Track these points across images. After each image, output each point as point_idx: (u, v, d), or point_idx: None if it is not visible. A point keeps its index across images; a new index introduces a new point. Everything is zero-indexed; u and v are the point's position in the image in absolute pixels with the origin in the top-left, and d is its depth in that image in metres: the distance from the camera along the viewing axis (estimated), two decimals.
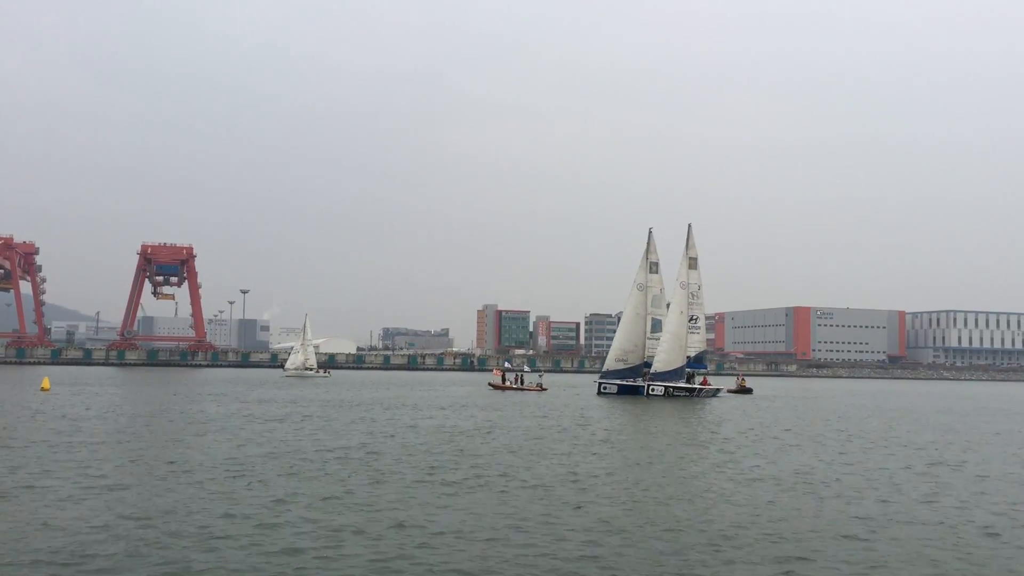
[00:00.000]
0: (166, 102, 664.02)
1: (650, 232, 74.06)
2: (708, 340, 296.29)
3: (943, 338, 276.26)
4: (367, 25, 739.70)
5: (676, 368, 68.09)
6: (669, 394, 66.75)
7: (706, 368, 75.50)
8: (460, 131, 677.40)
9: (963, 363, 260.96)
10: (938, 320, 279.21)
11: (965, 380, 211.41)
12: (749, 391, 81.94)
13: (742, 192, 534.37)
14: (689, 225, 72.72)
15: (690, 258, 71.49)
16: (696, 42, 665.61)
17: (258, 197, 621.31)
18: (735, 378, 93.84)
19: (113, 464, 22.92)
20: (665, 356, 67.62)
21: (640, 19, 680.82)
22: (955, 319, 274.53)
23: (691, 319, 70.06)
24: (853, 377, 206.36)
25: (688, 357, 68.99)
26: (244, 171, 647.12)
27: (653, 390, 67.09)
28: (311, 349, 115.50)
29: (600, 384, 71.42)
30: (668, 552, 14.30)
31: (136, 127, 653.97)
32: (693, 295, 70.60)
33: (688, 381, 69.33)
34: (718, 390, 72.47)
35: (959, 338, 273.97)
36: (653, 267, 73.46)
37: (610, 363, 72.06)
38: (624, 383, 69.30)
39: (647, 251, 73.67)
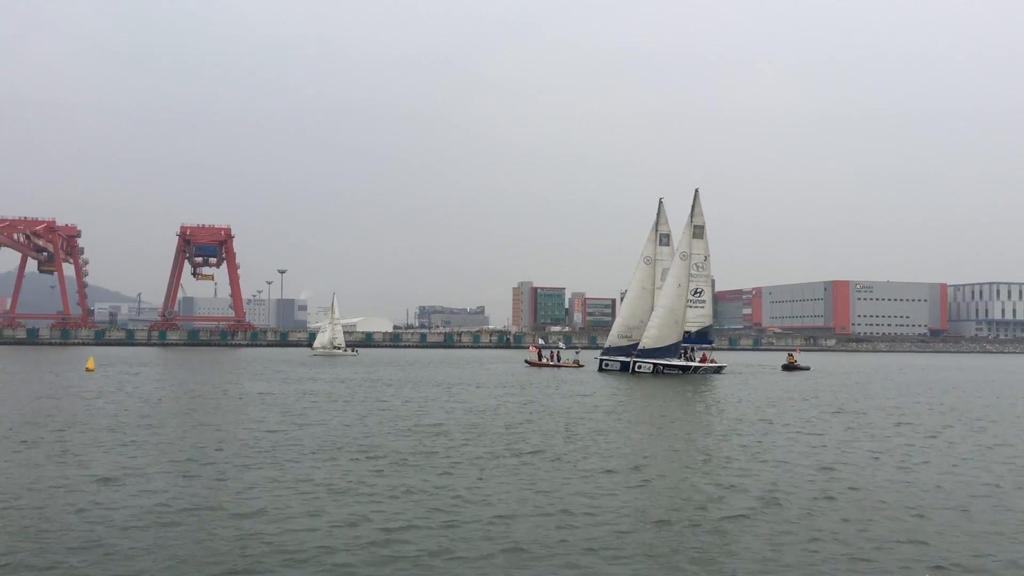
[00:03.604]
0: (202, 91, 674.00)
1: (660, 203, 69.83)
2: (745, 315, 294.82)
3: (986, 310, 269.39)
4: (394, 12, 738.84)
5: (669, 345, 63.81)
6: (658, 372, 63.00)
7: (711, 343, 70.70)
8: (491, 114, 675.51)
9: (1006, 336, 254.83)
10: (981, 292, 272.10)
11: (1009, 353, 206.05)
12: (804, 369, 74.40)
13: (781, 168, 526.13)
14: (696, 191, 67.15)
15: (695, 226, 66.34)
16: (729, 17, 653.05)
17: (295, 180, 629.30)
18: (787, 355, 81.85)
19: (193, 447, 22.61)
20: (656, 332, 63.54)
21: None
22: (998, 291, 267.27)
23: (695, 292, 66.10)
24: (893, 351, 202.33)
25: (688, 332, 64.97)
26: (281, 155, 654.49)
27: (640, 367, 63.32)
28: (339, 327, 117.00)
29: (601, 361, 68.52)
30: None
31: (174, 115, 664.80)
32: (698, 266, 66.27)
33: (685, 357, 65.49)
34: (722, 367, 68.60)
35: (1002, 310, 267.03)
36: (663, 239, 69.61)
37: (612, 339, 68.94)
38: (627, 360, 65.41)
39: (657, 223, 69.79)
